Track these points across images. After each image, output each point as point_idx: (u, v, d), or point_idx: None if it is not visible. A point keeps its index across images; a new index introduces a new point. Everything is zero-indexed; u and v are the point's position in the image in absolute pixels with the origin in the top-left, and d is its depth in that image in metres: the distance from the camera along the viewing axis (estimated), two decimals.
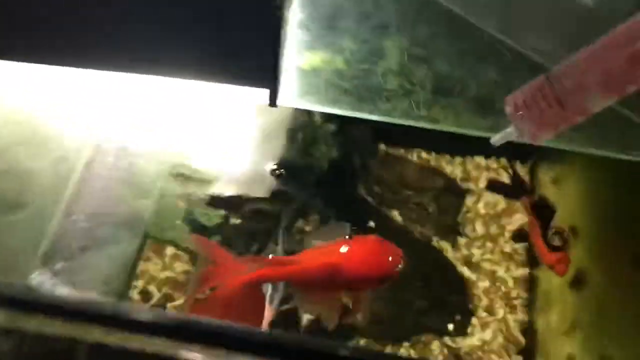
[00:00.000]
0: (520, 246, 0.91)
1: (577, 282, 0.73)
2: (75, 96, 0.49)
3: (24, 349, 0.37)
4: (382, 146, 0.95)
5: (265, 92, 0.45)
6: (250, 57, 0.43)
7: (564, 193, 0.83)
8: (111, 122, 0.53)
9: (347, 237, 0.61)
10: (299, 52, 0.52)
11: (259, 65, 0.43)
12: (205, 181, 0.61)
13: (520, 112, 0.42)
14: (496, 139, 0.45)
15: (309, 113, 0.79)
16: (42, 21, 0.46)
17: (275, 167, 0.77)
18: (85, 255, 0.44)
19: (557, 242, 0.73)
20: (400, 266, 0.61)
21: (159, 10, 0.42)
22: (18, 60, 0.48)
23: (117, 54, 0.47)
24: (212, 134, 0.66)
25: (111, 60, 0.47)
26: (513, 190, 0.86)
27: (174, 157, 0.61)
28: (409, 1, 0.53)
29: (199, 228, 0.78)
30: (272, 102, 0.45)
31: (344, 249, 0.60)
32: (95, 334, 0.39)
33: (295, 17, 0.54)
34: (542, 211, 0.76)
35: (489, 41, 0.49)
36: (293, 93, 0.49)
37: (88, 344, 0.39)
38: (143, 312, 0.38)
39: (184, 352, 0.41)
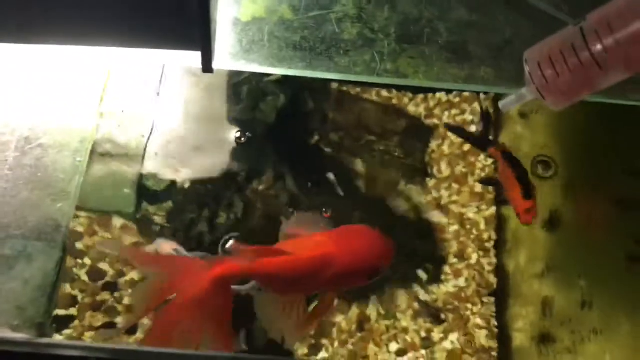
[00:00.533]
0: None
1: (551, 224, 0.69)
2: None
3: None
4: (335, 85, 0.87)
5: (197, 55, 0.37)
6: (175, 13, 0.34)
7: (532, 126, 0.78)
8: (8, 106, 0.44)
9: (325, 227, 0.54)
10: (235, 0, 0.43)
11: (186, 22, 0.34)
12: (136, 157, 0.52)
13: (545, 73, 0.34)
14: (506, 102, 0.38)
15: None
16: None
17: (238, 134, 0.70)
18: None
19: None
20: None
21: None
22: None
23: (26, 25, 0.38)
24: (136, 103, 0.57)
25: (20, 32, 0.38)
26: (480, 141, 0.80)
27: (90, 135, 0.51)
28: None
29: (149, 195, 0.71)
30: (206, 67, 0.37)
31: (337, 239, 0.53)
32: None
33: None
34: (510, 159, 0.71)
35: None
36: (231, 53, 0.40)
37: None
38: (68, 349, 0.31)
39: None
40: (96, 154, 0.61)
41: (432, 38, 0.41)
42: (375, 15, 0.41)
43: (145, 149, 0.64)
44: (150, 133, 0.68)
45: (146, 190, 0.70)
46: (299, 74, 0.40)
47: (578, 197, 0.68)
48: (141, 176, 0.67)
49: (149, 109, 0.69)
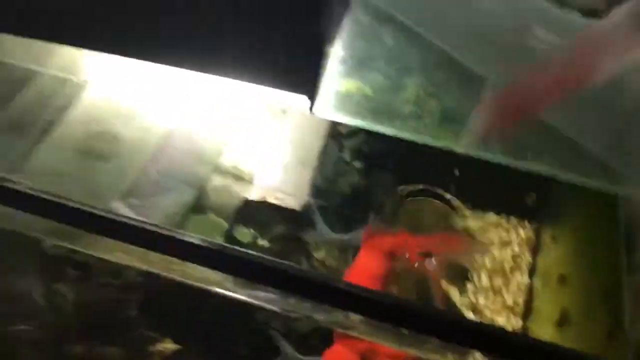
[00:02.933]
0: (521, 300, 1.00)
1: (563, 321, 0.80)
2: (159, 86, 0.64)
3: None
4: (402, 187, 1.07)
5: (305, 100, 0.59)
6: (297, 67, 0.57)
7: (559, 248, 0.92)
8: (181, 112, 0.66)
9: None
10: (337, 80, 0.66)
11: (304, 75, 0.56)
12: (245, 180, 0.72)
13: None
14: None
15: (339, 147, 0.91)
16: (124, 19, 0.60)
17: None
18: (154, 198, 0.57)
19: None
20: None
21: (222, 17, 0.57)
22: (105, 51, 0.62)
23: (184, 53, 0.61)
24: (255, 136, 0.78)
25: (181, 59, 0.61)
26: None
27: (221, 150, 0.72)
28: (427, 51, 0.67)
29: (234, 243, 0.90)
30: (311, 109, 0.58)
31: None
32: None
33: (337, 54, 0.69)
34: None
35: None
36: (329, 107, 0.62)
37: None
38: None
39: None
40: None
41: (462, 122, 0.61)
42: (425, 102, 0.63)
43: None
44: None
45: None
46: (370, 128, 0.61)
47: (584, 299, 0.79)
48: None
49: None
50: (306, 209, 0.80)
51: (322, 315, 0.51)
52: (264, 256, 0.48)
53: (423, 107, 0.63)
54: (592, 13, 0.51)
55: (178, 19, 0.59)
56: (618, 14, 0.42)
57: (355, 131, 0.96)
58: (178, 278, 0.55)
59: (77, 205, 0.50)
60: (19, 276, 0.94)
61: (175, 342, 1.02)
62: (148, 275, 0.73)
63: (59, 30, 0.63)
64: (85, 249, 0.58)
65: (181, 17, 0.59)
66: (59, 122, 0.61)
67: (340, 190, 0.91)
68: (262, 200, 0.75)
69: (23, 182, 0.52)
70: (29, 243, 0.89)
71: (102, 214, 0.50)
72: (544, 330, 0.89)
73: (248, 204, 0.75)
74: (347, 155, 0.94)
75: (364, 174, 0.98)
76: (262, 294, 0.53)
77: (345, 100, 0.64)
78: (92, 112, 0.63)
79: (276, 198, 0.76)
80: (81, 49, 0.62)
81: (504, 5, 0.78)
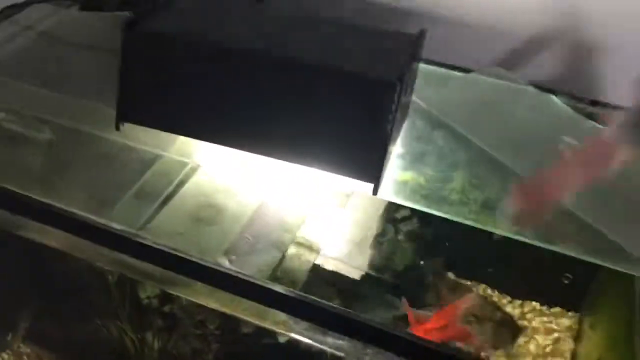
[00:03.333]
0: None
1: None
2: (254, 170, 0.81)
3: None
4: (452, 275, 1.18)
5: (370, 185, 0.73)
6: (367, 160, 0.72)
7: (595, 334, 1.00)
8: (270, 190, 0.82)
9: None
10: (396, 171, 0.81)
11: (371, 165, 0.71)
12: (313, 250, 0.86)
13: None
14: None
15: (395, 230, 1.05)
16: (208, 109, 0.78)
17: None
18: (249, 256, 0.72)
19: None
20: None
21: (308, 118, 0.73)
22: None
23: (277, 146, 0.78)
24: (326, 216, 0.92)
25: (275, 150, 0.78)
26: None
27: (300, 223, 0.87)
28: (471, 151, 0.82)
29: None
30: (375, 192, 0.73)
31: None
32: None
33: (397, 151, 0.84)
34: None
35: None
36: (389, 192, 0.77)
37: None
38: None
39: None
40: None
41: (499, 210, 0.74)
42: (470, 192, 0.77)
43: None
44: None
45: None
46: (422, 209, 0.75)
47: None
48: None
49: None
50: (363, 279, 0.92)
51: None
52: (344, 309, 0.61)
53: (468, 196, 0.77)
54: None
55: (275, 120, 0.77)
56: (611, 126, 0.53)
57: (409, 217, 1.10)
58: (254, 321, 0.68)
59: (193, 259, 0.65)
60: (113, 322, 1.09)
61: None
62: (227, 324, 0.87)
63: (181, 125, 0.81)
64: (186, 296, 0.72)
65: (278, 118, 0.76)
66: (176, 194, 0.79)
67: (394, 267, 1.04)
68: (325, 268, 0.88)
69: (148, 238, 0.68)
70: (125, 292, 1.05)
71: (211, 266, 0.65)
72: None
73: (316, 269, 0.88)
74: (401, 237, 1.07)
75: (417, 255, 1.10)
76: (330, 340, 0.65)
77: (403, 187, 0.79)
78: (202, 188, 0.81)
79: (338, 268, 0.89)
80: (196, 139, 0.80)
81: (538, 115, 0.93)
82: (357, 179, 0.74)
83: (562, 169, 0.53)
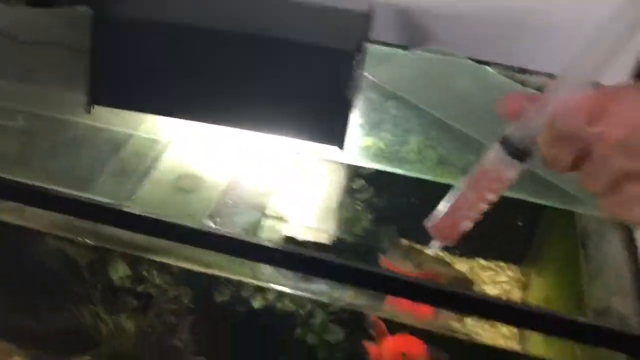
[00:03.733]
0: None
1: None
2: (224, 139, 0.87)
3: None
4: (405, 241, 1.27)
5: (335, 149, 0.81)
6: (332, 124, 0.79)
7: (540, 280, 1.12)
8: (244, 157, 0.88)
9: None
10: (358, 138, 0.89)
11: (336, 129, 0.78)
12: (282, 219, 0.93)
13: None
14: None
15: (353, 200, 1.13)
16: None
17: None
18: (231, 217, 0.78)
19: None
20: None
21: (267, 85, 0.80)
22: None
23: (245, 117, 0.83)
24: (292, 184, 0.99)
25: (242, 121, 0.83)
26: None
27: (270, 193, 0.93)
28: (422, 117, 0.91)
29: None
30: (340, 156, 0.80)
31: None
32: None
33: (355, 121, 0.91)
34: None
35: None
36: (354, 155, 0.85)
37: None
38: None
39: None
40: None
41: (454, 164, 0.83)
42: (425, 153, 0.85)
43: None
44: None
45: None
46: (384, 169, 0.83)
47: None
48: None
49: None
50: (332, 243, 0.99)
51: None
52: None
53: (423, 155, 0.85)
54: None
55: (243, 93, 0.82)
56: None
57: (365, 188, 1.18)
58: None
59: (181, 223, 0.70)
60: (86, 307, 1.11)
61: None
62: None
63: (150, 104, 0.85)
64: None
65: (246, 91, 0.82)
66: (153, 169, 0.83)
67: (353, 232, 1.11)
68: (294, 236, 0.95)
69: (133, 207, 0.72)
70: (97, 274, 1.07)
71: (200, 228, 0.70)
72: None
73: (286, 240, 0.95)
74: (359, 206, 1.15)
75: (373, 224, 1.19)
76: (314, 286, 0.71)
77: (366, 152, 0.86)
78: (177, 161, 0.85)
79: (307, 234, 0.96)
80: (166, 117, 0.84)
81: (476, 83, 1.03)
82: (324, 143, 0.81)
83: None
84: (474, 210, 0.49)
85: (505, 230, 1.23)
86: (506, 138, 0.47)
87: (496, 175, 0.48)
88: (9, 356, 1.22)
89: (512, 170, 0.47)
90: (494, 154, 0.47)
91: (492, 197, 0.49)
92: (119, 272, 1.09)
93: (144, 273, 1.10)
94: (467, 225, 0.50)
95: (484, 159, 0.48)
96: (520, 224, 1.21)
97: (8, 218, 0.85)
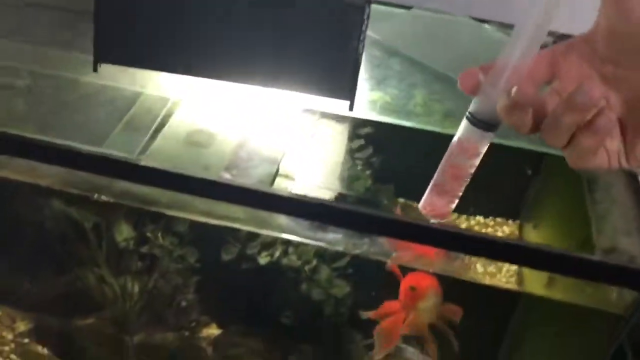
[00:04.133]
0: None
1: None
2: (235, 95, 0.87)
3: None
4: (402, 200, 1.29)
5: (345, 103, 0.82)
6: (341, 78, 0.80)
7: (537, 233, 1.15)
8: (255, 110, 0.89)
9: None
10: (365, 93, 0.90)
11: (345, 83, 0.79)
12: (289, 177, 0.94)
13: None
14: None
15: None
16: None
17: None
18: (247, 170, 0.79)
19: None
20: None
21: (277, 40, 0.80)
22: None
23: (253, 72, 0.83)
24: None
25: (251, 76, 0.84)
26: None
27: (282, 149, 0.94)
28: (426, 72, 0.92)
29: None
30: (351, 108, 0.81)
31: None
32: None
33: (361, 76, 0.92)
34: None
35: None
36: (363, 109, 0.86)
37: None
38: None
39: None
40: None
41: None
42: (431, 106, 0.86)
43: None
44: None
45: None
46: (390, 122, 0.84)
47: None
48: None
49: None
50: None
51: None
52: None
53: (430, 108, 0.87)
54: None
55: (252, 48, 0.82)
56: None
57: (364, 146, 1.19)
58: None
59: (200, 176, 0.70)
60: (89, 270, 1.11)
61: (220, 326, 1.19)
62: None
63: (159, 61, 0.85)
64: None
65: (255, 46, 0.82)
66: (165, 126, 0.83)
67: (356, 192, 1.13)
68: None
69: (149, 161, 0.73)
70: (101, 236, 1.08)
71: (217, 180, 0.70)
72: None
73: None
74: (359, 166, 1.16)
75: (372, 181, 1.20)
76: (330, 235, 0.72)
77: (373, 105, 0.88)
78: (189, 118, 0.85)
79: (311, 191, 0.97)
80: (175, 74, 0.84)
81: (476, 40, 1.05)
82: (333, 97, 0.81)
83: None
84: (456, 183, 0.52)
85: (505, 185, 1.26)
86: (471, 112, 0.49)
87: (469, 147, 0.50)
88: (12, 321, 1.22)
89: (483, 141, 0.49)
90: (464, 128, 0.50)
91: (470, 168, 0.51)
92: (123, 233, 1.09)
93: (149, 234, 1.11)
94: (452, 199, 0.52)
95: (457, 134, 0.51)
96: (522, 175, 1.22)
97: (11, 176, 0.84)
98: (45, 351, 1.18)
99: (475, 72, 0.48)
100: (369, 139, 1.12)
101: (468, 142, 0.49)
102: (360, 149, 1.16)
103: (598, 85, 0.45)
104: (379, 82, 0.92)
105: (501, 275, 1.00)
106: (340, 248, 0.72)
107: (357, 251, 0.72)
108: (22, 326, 1.21)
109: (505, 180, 1.25)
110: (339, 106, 0.83)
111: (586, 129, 0.43)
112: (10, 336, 1.19)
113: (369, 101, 0.88)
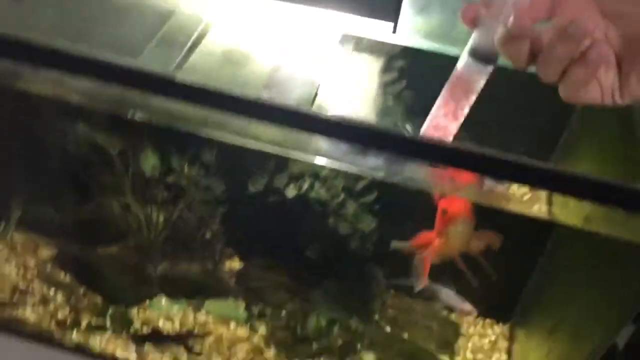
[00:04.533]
0: None
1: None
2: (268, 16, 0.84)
3: None
4: None
5: (389, 25, 0.78)
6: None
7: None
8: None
9: None
10: (407, 18, 0.86)
11: (389, 3, 0.76)
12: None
13: None
14: None
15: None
16: None
17: None
18: (286, 90, 0.76)
19: None
20: None
21: None
22: None
23: None
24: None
25: None
26: None
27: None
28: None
29: None
30: (394, 31, 0.78)
31: None
32: None
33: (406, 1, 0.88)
34: None
35: None
36: (407, 34, 0.83)
37: None
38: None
39: None
40: None
41: None
42: None
43: None
44: None
45: None
46: (437, 49, 0.81)
47: None
48: None
49: None
50: None
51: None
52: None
53: None
54: None
55: None
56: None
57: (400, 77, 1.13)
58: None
59: (236, 94, 0.67)
60: (116, 198, 1.10)
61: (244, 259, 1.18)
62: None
63: None
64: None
65: None
66: (200, 43, 0.80)
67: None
68: None
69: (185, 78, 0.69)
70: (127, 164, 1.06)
71: (256, 98, 0.67)
72: None
73: None
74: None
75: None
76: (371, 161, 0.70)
77: (417, 32, 0.84)
78: (224, 38, 0.83)
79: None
80: None
81: None
82: (377, 18, 0.78)
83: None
84: (457, 112, 0.56)
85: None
86: (470, 46, 0.53)
87: (468, 79, 0.54)
88: (35, 247, 1.22)
89: (480, 74, 0.53)
90: (464, 62, 0.54)
91: (468, 99, 0.55)
92: (149, 161, 1.07)
93: (174, 165, 1.09)
94: (453, 126, 0.57)
95: (457, 67, 0.55)
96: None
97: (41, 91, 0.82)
98: (67, 278, 1.18)
99: (475, 6, 0.52)
100: (405, 70, 1.08)
101: (468, 75, 0.53)
102: (395, 80, 1.13)
103: (597, 20, 0.47)
104: (420, 10, 0.88)
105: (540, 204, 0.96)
106: (376, 174, 0.69)
107: (393, 179, 0.70)
108: (45, 252, 1.21)
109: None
110: (381, 30, 0.80)
111: (579, 61, 0.45)
112: (33, 262, 1.19)
113: (412, 28, 0.84)
